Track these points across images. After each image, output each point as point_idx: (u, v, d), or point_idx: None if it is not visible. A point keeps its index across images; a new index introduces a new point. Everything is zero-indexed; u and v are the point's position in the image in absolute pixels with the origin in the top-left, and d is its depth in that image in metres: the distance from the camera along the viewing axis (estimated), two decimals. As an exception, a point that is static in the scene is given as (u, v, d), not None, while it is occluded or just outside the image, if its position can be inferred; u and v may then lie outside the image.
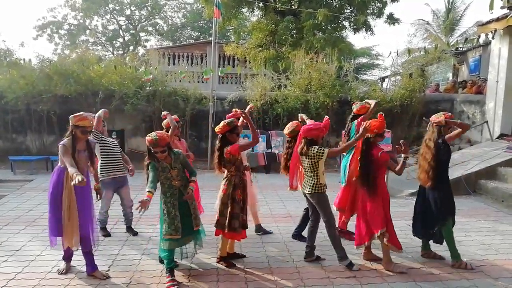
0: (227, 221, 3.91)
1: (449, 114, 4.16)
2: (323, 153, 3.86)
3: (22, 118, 10.05)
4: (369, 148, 3.99)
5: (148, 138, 3.60)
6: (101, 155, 4.70)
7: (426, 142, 4.14)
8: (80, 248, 3.81)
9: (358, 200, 4.21)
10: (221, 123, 3.97)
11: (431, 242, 4.34)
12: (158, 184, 3.68)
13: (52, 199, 3.74)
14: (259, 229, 5.02)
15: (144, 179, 3.97)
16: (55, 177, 3.77)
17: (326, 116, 4.44)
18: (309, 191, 4.05)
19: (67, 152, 3.62)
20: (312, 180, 3.99)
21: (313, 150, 3.89)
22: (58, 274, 3.82)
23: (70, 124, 3.72)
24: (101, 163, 4.70)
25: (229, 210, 3.92)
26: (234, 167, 3.95)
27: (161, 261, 4.01)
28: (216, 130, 4.01)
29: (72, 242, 3.72)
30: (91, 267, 3.83)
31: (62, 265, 3.92)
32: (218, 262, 4.10)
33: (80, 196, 3.72)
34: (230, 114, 4.83)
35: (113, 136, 7.23)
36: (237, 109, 4.96)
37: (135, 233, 4.97)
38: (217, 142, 4.00)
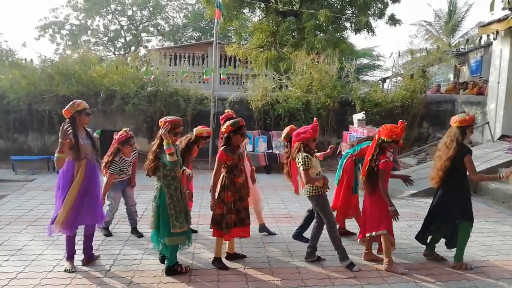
0: (218, 219, 3.94)
1: (473, 115, 4.08)
2: (301, 165, 3.90)
3: (23, 118, 10.06)
4: (382, 151, 3.94)
5: (173, 118, 3.83)
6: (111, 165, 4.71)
7: (446, 143, 3.99)
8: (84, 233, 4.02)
9: (364, 201, 4.21)
10: (226, 123, 3.99)
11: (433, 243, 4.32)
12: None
13: (63, 190, 3.81)
14: (263, 229, 5.02)
15: (145, 178, 4.00)
16: (65, 168, 3.83)
17: (315, 118, 4.46)
18: (307, 194, 4.09)
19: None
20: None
21: (298, 158, 3.95)
22: (69, 273, 3.85)
23: (72, 112, 3.80)
24: (112, 169, 4.67)
25: (218, 209, 3.93)
26: (225, 168, 3.96)
27: (162, 261, 4.03)
28: (221, 131, 4.05)
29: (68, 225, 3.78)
30: (88, 256, 4.01)
31: (67, 264, 3.94)
32: (212, 263, 4.09)
33: (91, 183, 3.91)
34: (222, 116, 4.84)
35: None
36: (229, 110, 4.99)
37: (140, 235, 4.91)
38: (222, 141, 4.02)
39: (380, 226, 3.95)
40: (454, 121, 4.03)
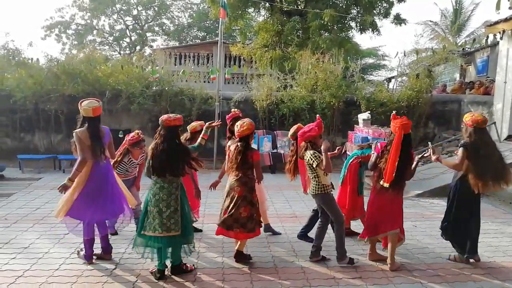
0: (244, 222, 3.94)
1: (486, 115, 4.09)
2: (312, 162, 3.91)
3: (30, 117, 10.14)
4: (409, 148, 3.93)
5: (177, 116, 3.80)
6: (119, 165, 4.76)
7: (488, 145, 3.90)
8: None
9: (370, 200, 4.19)
10: (245, 125, 3.92)
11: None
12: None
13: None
14: (268, 229, 5.02)
15: (148, 178, 4.02)
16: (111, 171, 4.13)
17: (318, 115, 4.46)
18: (313, 192, 4.10)
19: None
20: (314, 181, 4.04)
21: (307, 156, 3.97)
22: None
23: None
24: (119, 170, 4.71)
25: (244, 211, 3.93)
26: (250, 170, 3.99)
27: (161, 275, 3.75)
28: (240, 132, 3.91)
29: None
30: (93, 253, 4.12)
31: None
32: (235, 258, 4.14)
33: None
34: (229, 115, 4.84)
35: (119, 135, 7.29)
36: (235, 109, 5.00)
37: None
38: (240, 144, 3.95)
39: (394, 225, 3.96)
40: (482, 121, 3.93)
